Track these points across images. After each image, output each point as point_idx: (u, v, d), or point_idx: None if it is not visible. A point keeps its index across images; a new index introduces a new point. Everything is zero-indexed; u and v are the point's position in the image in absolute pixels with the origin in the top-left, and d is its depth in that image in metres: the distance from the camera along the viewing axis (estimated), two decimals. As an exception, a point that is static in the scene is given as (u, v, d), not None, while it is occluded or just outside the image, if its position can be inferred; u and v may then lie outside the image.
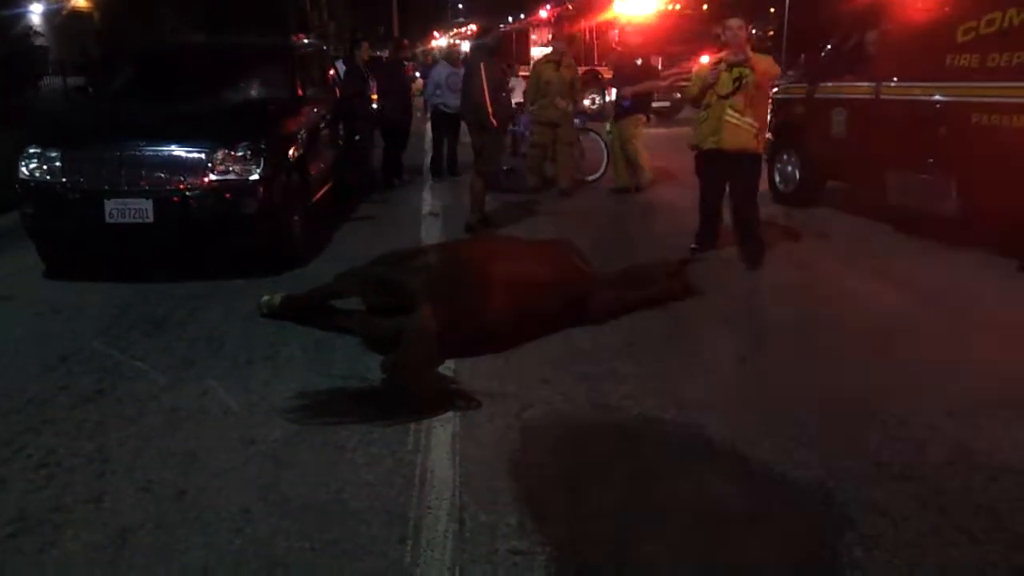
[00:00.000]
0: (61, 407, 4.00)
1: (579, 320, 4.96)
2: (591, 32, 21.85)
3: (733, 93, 6.17)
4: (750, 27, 6.82)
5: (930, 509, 3.02)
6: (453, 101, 10.00)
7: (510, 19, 34.08)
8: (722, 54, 6.37)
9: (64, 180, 5.99)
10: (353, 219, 8.41)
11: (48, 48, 23.25)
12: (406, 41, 15.07)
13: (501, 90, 7.69)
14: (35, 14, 24.77)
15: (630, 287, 5.45)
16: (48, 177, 6.03)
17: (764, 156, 6.88)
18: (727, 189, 6.54)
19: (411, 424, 3.74)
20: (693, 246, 6.68)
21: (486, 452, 3.48)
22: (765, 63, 6.30)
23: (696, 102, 6.54)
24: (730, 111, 6.18)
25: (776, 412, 3.86)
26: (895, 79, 7.40)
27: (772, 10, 32.25)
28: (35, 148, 6.12)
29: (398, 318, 4.49)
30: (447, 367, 4.38)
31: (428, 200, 9.60)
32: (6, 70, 16.70)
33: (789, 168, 8.86)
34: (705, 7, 20.98)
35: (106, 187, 5.89)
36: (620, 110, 9.58)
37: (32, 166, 6.07)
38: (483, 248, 5.40)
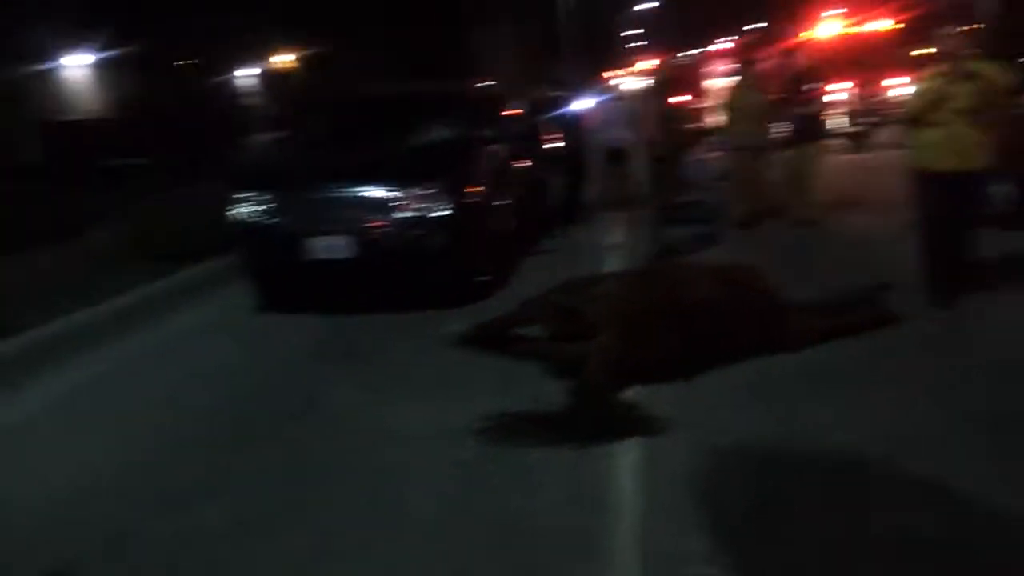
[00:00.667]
0: (266, 424, 4.35)
1: (770, 348, 4.80)
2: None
3: (974, 105, 5.41)
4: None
5: None
6: (620, 134, 10.01)
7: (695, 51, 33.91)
8: (943, 66, 5.61)
9: (269, 220, 6.53)
10: (535, 255, 8.56)
11: (260, 105, 25.43)
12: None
13: (672, 120, 7.66)
14: (251, 76, 27.17)
15: (825, 315, 5.24)
16: (255, 218, 6.59)
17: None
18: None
19: (596, 448, 3.75)
20: (935, 306, 5.58)
21: (670, 478, 3.43)
22: (995, 72, 5.57)
23: (920, 121, 5.69)
24: (969, 126, 5.43)
25: (979, 440, 3.58)
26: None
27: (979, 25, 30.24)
28: (241, 193, 6.72)
29: (581, 344, 4.55)
30: (630, 394, 4.36)
31: (608, 233, 9.62)
32: (216, 129, 18.40)
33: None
34: (892, 26, 19.98)
35: (308, 226, 6.36)
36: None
37: (240, 209, 6.66)
38: (663, 274, 5.37)
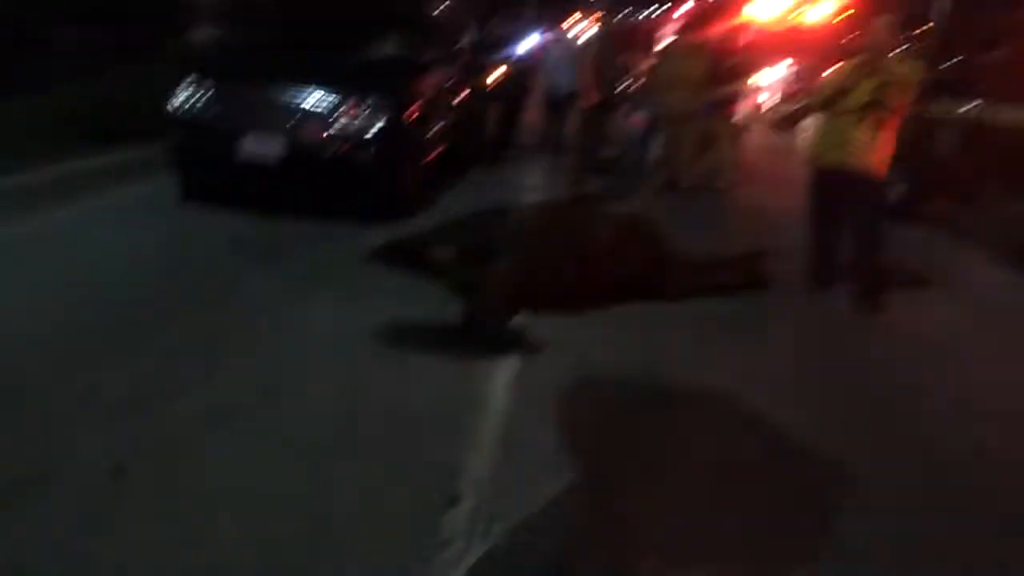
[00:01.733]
0: (174, 305, 4.66)
1: (654, 294, 5.30)
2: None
3: (869, 103, 5.35)
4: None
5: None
6: (565, 80, 10.32)
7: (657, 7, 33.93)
8: (862, 57, 5.53)
9: (203, 112, 6.69)
10: (462, 184, 8.89)
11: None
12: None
13: (609, 73, 8.02)
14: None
15: (706, 271, 5.76)
16: (190, 108, 6.73)
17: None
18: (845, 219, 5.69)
19: (480, 359, 4.19)
20: (809, 287, 5.84)
21: (538, 391, 3.89)
22: (908, 70, 5.50)
23: (823, 109, 5.72)
24: (861, 123, 5.38)
25: (814, 392, 4.17)
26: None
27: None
28: (181, 81, 6.84)
29: (485, 267, 4.96)
30: (520, 317, 4.79)
31: (535, 174, 10.01)
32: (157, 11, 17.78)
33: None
34: (836, 20, 20.52)
35: (241, 123, 6.55)
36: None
37: (177, 96, 6.79)
38: (568, 214, 5.81)
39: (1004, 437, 3.89)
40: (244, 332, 4.39)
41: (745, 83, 9.78)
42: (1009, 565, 2.92)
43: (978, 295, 6.28)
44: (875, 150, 5.40)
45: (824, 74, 6.24)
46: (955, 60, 8.57)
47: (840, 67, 5.81)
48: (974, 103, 7.77)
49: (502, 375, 4.06)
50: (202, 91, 6.75)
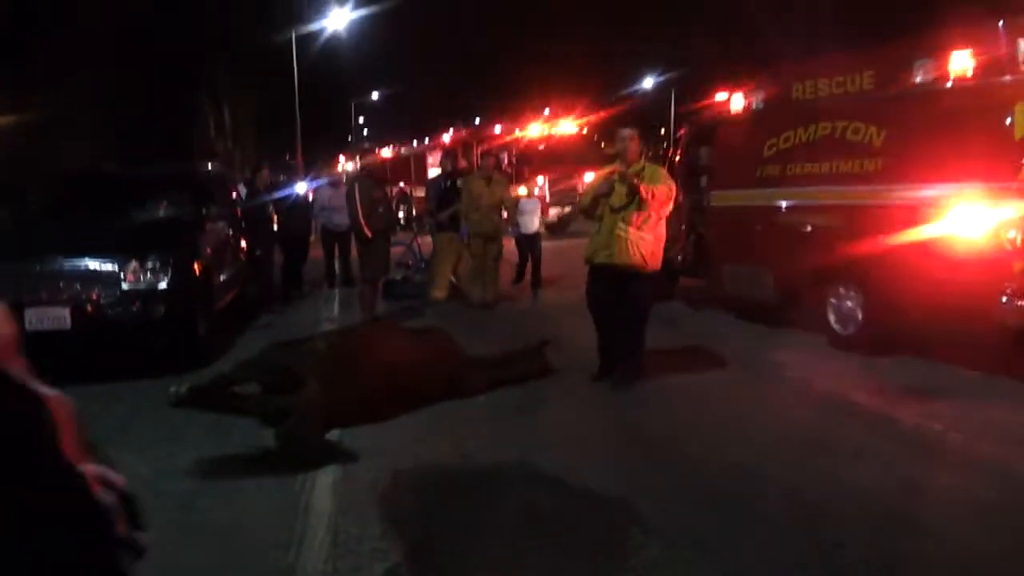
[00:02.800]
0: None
1: (451, 394, 5.82)
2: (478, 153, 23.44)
3: (627, 206, 5.91)
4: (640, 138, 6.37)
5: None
6: (338, 218, 10.99)
7: (414, 143, 35.90)
8: (615, 165, 6.13)
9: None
10: (255, 328, 9.13)
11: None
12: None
13: (376, 206, 8.72)
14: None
15: (495, 367, 6.39)
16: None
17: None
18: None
19: (299, 475, 4.51)
20: (594, 375, 6.31)
21: (359, 492, 4.27)
22: (655, 175, 6.07)
23: (588, 214, 6.19)
24: (622, 224, 5.92)
25: (597, 449, 4.82)
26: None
27: (662, 130, 35.11)
28: None
29: (289, 397, 5.28)
30: (332, 435, 5.15)
31: (324, 308, 10.43)
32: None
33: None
34: (584, 131, 22.91)
35: (25, 296, 6.55)
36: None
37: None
38: (364, 334, 6.28)
39: (759, 455, 4.68)
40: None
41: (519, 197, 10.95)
42: (777, 551, 3.59)
43: (730, 353, 7.30)
44: (639, 247, 5.91)
45: (585, 182, 7.21)
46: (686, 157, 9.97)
47: (596, 175, 6.54)
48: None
49: (324, 483, 4.40)
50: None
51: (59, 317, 6.56)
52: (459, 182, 10.48)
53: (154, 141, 22.64)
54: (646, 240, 5.94)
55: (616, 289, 6.08)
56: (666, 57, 34.26)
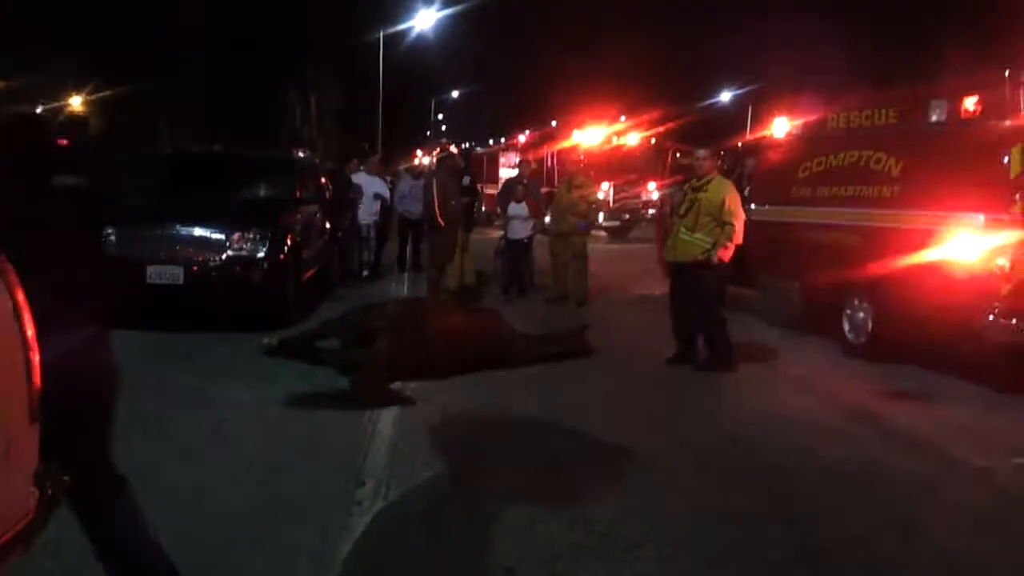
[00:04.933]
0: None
1: (497, 363, 6.84)
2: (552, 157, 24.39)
3: (687, 213, 7.06)
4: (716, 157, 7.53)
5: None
6: (414, 208, 12.12)
7: (490, 141, 37.10)
8: (687, 179, 7.23)
9: (116, 249, 7.91)
10: (333, 298, 10.31)
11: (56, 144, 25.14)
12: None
13: (451, 199, 9.79)
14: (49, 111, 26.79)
15: (538, 343, 7.40)
16: (109, 247, 7.96)
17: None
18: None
19: (367, 412, 5.59)
20: (669, 357, 7.23)
21: (414, 425, 5.34)
22: (717, 188, 7.03)
23: (669, 222, 7.37)
24: (683, 229, 7.08)
25: (616, 414, 5.78)
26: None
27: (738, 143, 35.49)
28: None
29: (363, 351, 6.37)
30: (396, 385, 6.20)
31: (393, 288, 11.58)
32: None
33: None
34: (653, 140, 23.64)
35: (148, 255, 7.82)
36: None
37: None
38: (428, 306, 7.35)
39: (755, 432, 5.57)
40: (177, 407, 5.59)
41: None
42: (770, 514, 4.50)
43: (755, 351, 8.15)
44: (697, 247, 6.96)
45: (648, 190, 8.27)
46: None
47: (673, 189, 7.68)
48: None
49: (386, 418, 5.48)
50: (112, 232, 7.98)
51: (175, 274, 7.81)
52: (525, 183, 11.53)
53: (247, 127, 24.30)
54: (703, 242, 6.95)
55: (686, 282, 7.19)
56: (745, 72, 34.77)
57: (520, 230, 11.38)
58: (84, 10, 21.01)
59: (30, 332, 2.39)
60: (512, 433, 5.37)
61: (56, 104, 27.09)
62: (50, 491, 2.51)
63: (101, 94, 26.41)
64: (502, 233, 11.84)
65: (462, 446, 5.05)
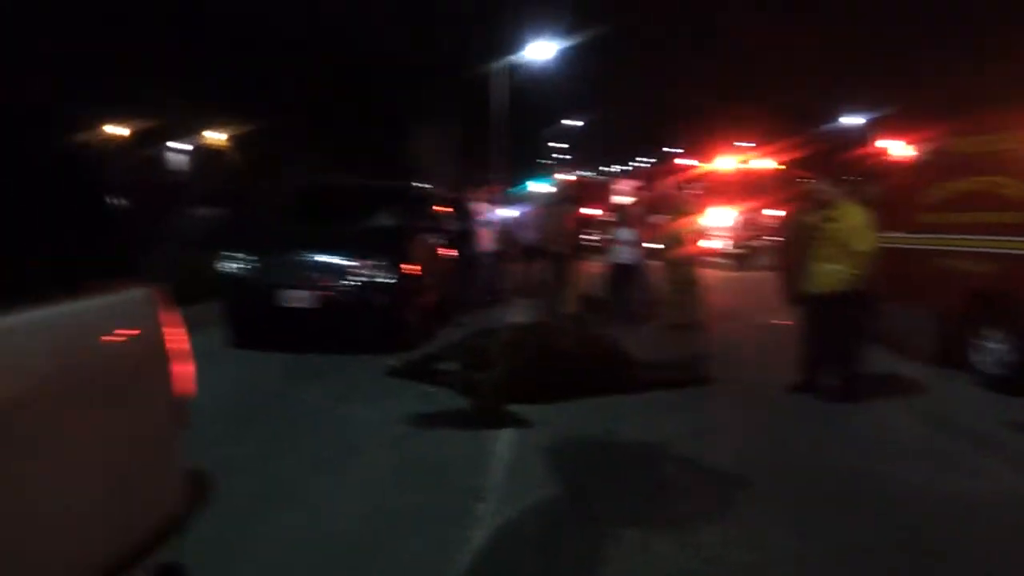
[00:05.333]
0: (253, 412, 6.19)
1: (611, 387, 6.90)
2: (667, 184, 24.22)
3: (818, 243, 6.87)
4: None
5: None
6: (529, 234, 12.34)
7: (616, 167, 37.17)
8: (817, 205, 7.01)
9: (249, 274, 8.44)
10: (452, 324, 10.59)
11: (190, 178, 26.86)
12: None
13: (570, 226, 9.94)
14: (183, 149, 28.57)
15: (655, 370, 7.42)
16: (238, 272, 8.50)
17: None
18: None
19: (485, 432, 5.76)
20: (793, 386, 7.11)
21: (530, 447, 5.48)
22: (848, 216, 6.86)
23: (796, 249, 7.12)
24: (818, 259, 6.85)
25: (727, 443, 5.75)
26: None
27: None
28: (227, 252, 8.67)
29: (482, 374, 6.57)
30: (513, 406, 6.35)
31: (512, 314, 11.78)
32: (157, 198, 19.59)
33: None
34: (778, 167, 23.22)
35: (280, 280, 8.30)
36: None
37: (226, 264, 8.59)
38: (546, 330, 7.50)
39: (869, 459, 5.44)
40: (308, 424, 5.93)
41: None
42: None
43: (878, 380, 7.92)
44: (831, 277, 6.78)
45: (788, 221, 7.84)
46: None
47: (800, 216, 7.42)
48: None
49: (504, 439, 5.64)
50: (245, 259, 8.51)
51: (305, 298, 8.24)
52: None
53: (373, 157, 25.26)
54: (836, 270, 6.76)
55: (820, 312, 6.97)
56: (871, 98, 33.71)
57: (627, 255, 11.48)
58: (221, 62, 22.34)
59: (175, 346, 2.71)
60: (626, 457, 5.43)
61: (194, 141, 28.91)
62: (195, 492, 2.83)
63: (235, 130, 27.99)
64: (612, 259, 11.92)
65: (577, 468, 5.16)
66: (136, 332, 2.62)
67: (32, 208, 2.43)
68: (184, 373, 2.82)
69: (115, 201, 2.86)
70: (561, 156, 55.57)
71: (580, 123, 50.24)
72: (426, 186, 12.46)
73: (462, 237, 11.96)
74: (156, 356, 2.69)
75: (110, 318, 2.53)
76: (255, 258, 8.60)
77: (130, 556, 2.44)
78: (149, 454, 2.66)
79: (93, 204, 2.76)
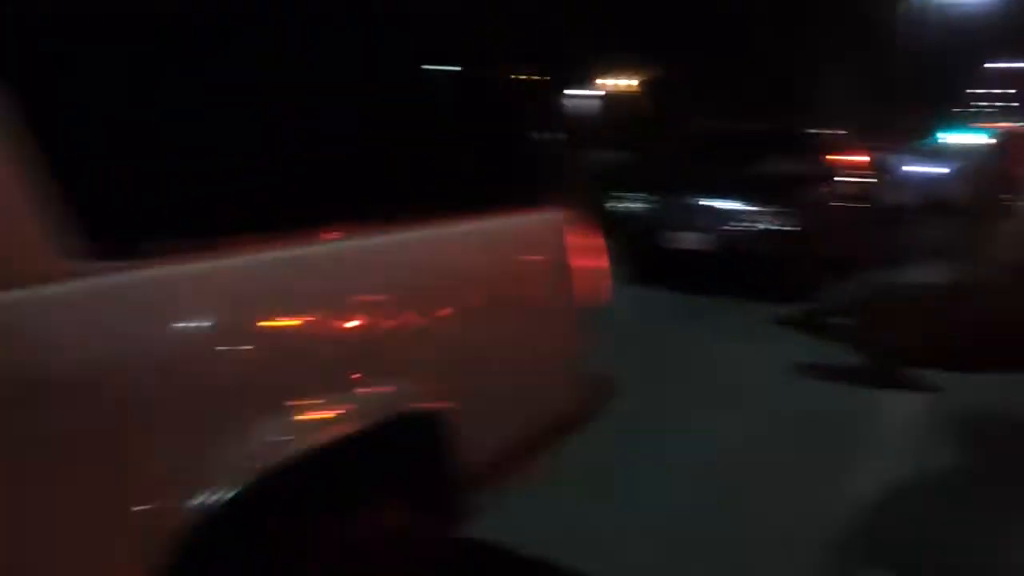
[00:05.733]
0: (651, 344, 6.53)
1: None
2: None
3: None
4: None
5: None
6: (956, 192, 11.13)
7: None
8: None
9: (650, 216, 8.78)
10: (854, 279, 10.00)
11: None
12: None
13: (1005, 187, 8.78)
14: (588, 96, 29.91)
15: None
16: (639, 213, 8.86)
17: None
18: None
19: (883, 392, 5.53)
20: None
21: (933, 415, 5.15)
22: None
23: None
24: None
25: None
26: None
27: None
28: (625, 193, 9.11)
29: (880, 332, 6.23)
30: (912, 370, 5.94)
31: (919, 273, 10.80)
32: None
33: None
34: None
35: (681, 222, 8.54)
36: None
37: (624, 204, 9.01)
38: (959, 293, 6.82)
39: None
40: (692, 358, 6.16)
41: None
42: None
43: None
44: None
45: None
46: None
47: None
48: None
49: (899, 402, 5.38)
50: (646, 200, 8.88)
51: (700, 240, 8.40)
52: None
53: (762, 101, 24.41)
54: None
55: None
56: None
57: None
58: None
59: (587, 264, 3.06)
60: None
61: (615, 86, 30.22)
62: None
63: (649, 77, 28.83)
64: None
65: (980, 441, 4.74)
66: (552, 245, 2.99)
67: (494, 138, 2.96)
68: (598, 288, 3.13)
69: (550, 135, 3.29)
70: (993, 104, 48.66)
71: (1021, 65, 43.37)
72: (836, 132, 11.80)
73: (870, 188, 11.20)
74: (566, 270, 3.03)
75: (536, 232, 2.94)
76: (652, 199, 8.90)
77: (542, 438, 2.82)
78: (556, 354, 3.01)
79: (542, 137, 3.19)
